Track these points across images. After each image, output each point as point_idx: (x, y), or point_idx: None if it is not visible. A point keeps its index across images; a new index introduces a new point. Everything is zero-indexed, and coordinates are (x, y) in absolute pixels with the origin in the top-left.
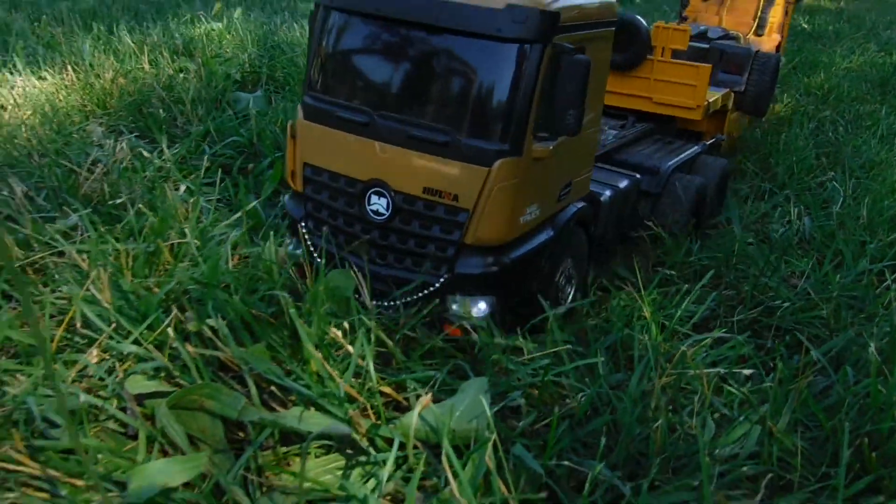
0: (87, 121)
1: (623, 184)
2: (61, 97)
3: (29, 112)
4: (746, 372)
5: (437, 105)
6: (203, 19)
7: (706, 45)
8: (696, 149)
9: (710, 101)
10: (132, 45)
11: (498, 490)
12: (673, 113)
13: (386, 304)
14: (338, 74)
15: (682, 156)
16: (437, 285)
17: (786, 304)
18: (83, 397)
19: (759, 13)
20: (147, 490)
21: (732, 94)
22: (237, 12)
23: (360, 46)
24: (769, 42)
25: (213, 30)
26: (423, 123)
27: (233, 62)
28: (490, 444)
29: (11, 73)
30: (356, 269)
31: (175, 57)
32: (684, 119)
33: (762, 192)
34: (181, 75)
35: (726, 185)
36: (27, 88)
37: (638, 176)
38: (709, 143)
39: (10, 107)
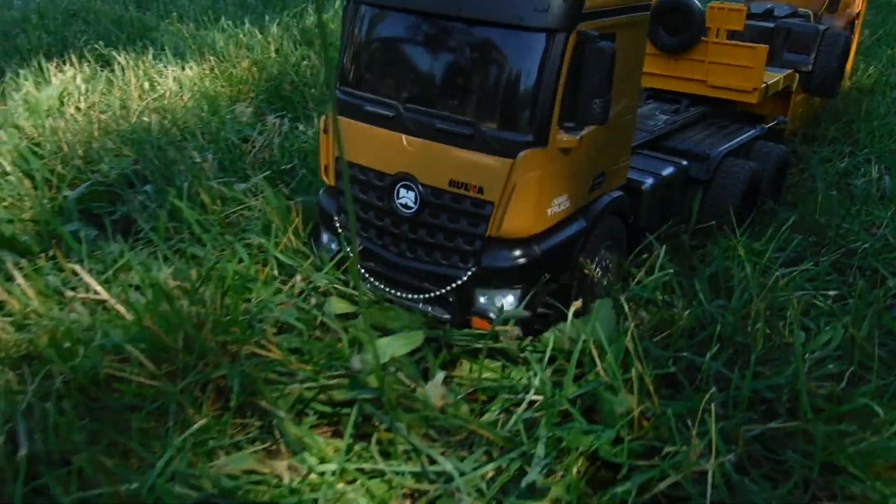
0: (233, 104)
1: (667, 171)
2: (207, 84)
3: (187, 97)
4: (831, 293)
5: (461, 96)
6: (310, 12)
7: (771, 24)
8: (752, 133)
9: (769, 83)
10: (260, 36)
11: (636, 368)
12: (728, 97)
13: (412, 297)
14: (365, 69)
15: (736, 141)
16: (465, 278)
17: (866, 246)
18: (314, 301)
19: None
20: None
21: (797, 75)
22: (337, 3)
23: (386, 40)
24: (842, 19)
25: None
26: (449, 115)
27: None
28: (628, 334)
29: (165, 66)
30: (387, 262)
31: (297, 46)
32: (743, 102)
33: (844, 155)
34: (304, 62)
35: (785, 173)
36: (178, 78)
37: (685, 163)
38: (768, 126)
39: (167, 93)
